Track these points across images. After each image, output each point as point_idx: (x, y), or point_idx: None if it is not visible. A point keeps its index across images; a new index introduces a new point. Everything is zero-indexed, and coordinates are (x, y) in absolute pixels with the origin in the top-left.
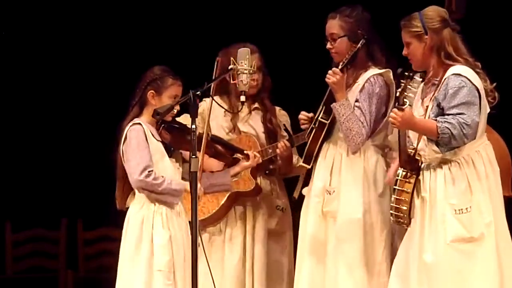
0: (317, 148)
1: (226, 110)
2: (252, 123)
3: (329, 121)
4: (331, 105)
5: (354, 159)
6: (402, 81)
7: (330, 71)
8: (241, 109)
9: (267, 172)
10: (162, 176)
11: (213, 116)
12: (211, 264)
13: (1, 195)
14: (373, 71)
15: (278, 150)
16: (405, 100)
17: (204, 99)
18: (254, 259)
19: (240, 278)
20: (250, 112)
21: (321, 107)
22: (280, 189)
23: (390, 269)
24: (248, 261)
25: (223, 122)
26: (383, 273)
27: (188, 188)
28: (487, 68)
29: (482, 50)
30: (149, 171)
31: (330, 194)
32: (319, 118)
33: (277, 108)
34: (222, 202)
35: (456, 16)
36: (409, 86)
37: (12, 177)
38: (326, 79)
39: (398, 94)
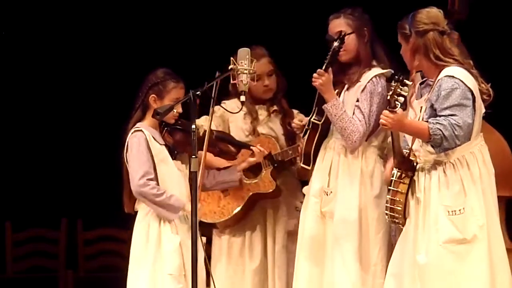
0: (313, 149)
1: (230, 112)
2: (271, 125)
3: (321, 122)
4: (323, 107)
5: (352, 160)
6: (392, 84)
7: (315, 74)
8: (241, 109)
9: (275, 165)
10: (163, 189)
11: (233, 118)
12: (230, 268)
13: (1, 195)
14: (376, 70)
15: (298, 153)
16: (396, 102)
17: (223, 101)
18: (275, 262)
19: (260, 282)
20: (269, 115)
21: (313, 108)
22: (298, 191)
23: (386, 270)
24: (269, 264)
25: (242, 124)
26: (378, 274)
27: (188, 208)
28: (490, 67)
29: (485, 50)
30: (148, 179)
31: (327, 195)
32: (312, 119)
33: (295, 111)
34: (242, 204)
35: (459, 16)
36: (399, 90)
37: (12, 177)
38: (313, 82)
39: (388, 97)
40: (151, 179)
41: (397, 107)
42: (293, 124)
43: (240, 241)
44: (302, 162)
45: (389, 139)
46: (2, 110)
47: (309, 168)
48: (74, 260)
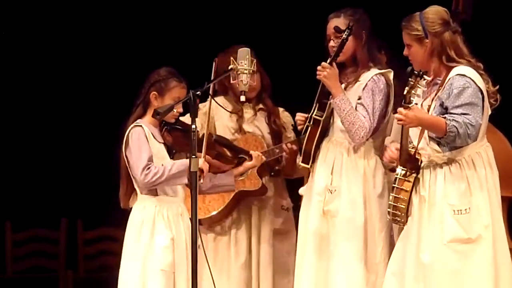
0: (313, 146)
1: (228, 111)
2: (257, 124)
3: (323, 118)
4: (331, 102)
5: (355, 159)
6: (411, 79)
7: (319, 67)
8: (241, 109)
9: (272, 174)
10: (162, 165)
11: (218, 116)
12: (217, 265)
13: (1, 195)
14: (375, 70)
15: (284, 152)
16: (411, 98)
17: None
18: (260, 260)
19: (247, 279)
20: (255, 113)
21: (314, 104)
22: (284, 189)
23: None
24: (254, 261)
25: (228, 122)
26: (380, 273)
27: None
28: (494, 69)
29: (489, 51)
30: (148, 168)
31: (331, 193)
32: (313, 115)
33: (280, 109)
34: (228, 200)
35: (463, 17)
36: (418, 85)
37: (12, 177)
38: (317, 76)
39: (405, 92)
40: (147, 166)
41: (411, 102)
42: (296, 118)
43: (226, 238)
44: (301, 161)
45: (387, 138)
46: (2, 110)
47: (308, 166)
48: (74, 260)
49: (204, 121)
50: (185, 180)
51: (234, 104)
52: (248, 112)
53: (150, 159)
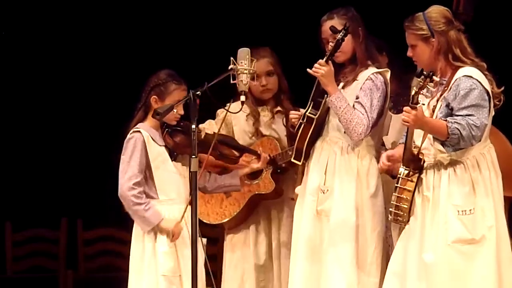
0: (306, 144)
1: (231, 113)
2: (275, 127)
3: (317, 116)
4: (327, 100)
5: (348, 159)
6: (420, 80)
7: (316, 64)
8: (241, 109)
9: (278, 171)
10: (147, 199)
11: (236, 121)
12: (231, 265)
13: (1, 195)
14: (373, 69)
15: None
16: (419, 99)
17: (228, 103)
18: (280, 263)
19: (266, 281)
20: (273, 116)
21: (309, 102)
22: None
23: (380, 270)
24: (275, 264)
25: (245, 126)
26: (373, 273)
27: (165, 225)
28: (495, 69)
29: (490, 52)
30: (134, 183)
31: (324, 193)
32: (307, 113)
33: (301, 111)
34: (243, 204)
35: (464, 18)
36: (427, 86)
37: (12, 177)
38: (313, 73)
39: (414, 92)
40: (138, 184)
41: (419, 103)
42: (290, 115)
43: (246, 240)
44: (293, 157)
45: (386, 138)
46: (2, 110)
47: (299, 163)
48: (74, 260)
49: (222, 126)
50: (144, 229)
51: (251, 107)
52: (265, 115)
53: (141, 171)
